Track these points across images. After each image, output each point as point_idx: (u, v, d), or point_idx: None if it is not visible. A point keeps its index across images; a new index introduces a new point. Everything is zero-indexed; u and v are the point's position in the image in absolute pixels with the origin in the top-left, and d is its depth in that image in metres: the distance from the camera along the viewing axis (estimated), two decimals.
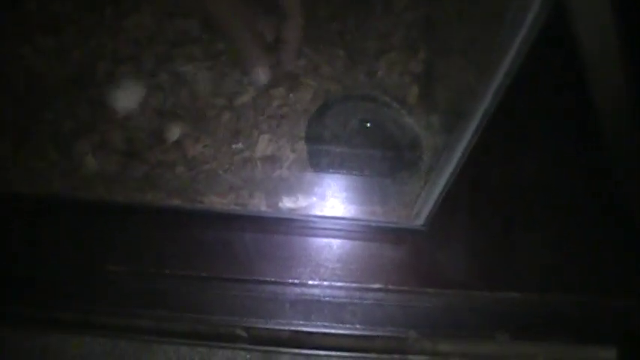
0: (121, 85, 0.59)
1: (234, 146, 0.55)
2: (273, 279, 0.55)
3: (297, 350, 0.57)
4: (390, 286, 0.55)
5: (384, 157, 0.53)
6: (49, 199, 0.58)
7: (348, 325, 0.55)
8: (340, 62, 0.59)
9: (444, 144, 0.45)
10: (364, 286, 0.55)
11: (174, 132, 0.56)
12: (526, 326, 0.57)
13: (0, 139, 0.58)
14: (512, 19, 0.33)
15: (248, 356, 0.61)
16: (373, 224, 0.55)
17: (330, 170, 0.53)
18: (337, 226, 0.56)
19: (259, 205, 0.54)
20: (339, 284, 0.55)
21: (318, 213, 0.54)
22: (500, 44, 0.35)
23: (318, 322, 0.55)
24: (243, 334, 0.57)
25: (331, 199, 0.54)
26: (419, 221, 0.53)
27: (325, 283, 0.55)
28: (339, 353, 0.58)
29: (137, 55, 0.62)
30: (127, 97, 0.59)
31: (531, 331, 0.57)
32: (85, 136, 0.57)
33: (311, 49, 0.59)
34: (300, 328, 0.55)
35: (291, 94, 0.56)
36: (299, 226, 0.56)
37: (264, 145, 0.54)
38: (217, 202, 0.55)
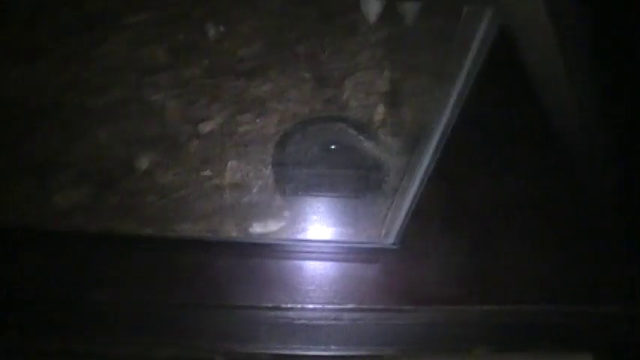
0: None
1: (203, 173, 0.55)
2: (247, 303, 0.55)
3: None
4: (365, 306, 0.55)
5: (350, 179, 0.53)
6: (24, 232, 0.58)
7: (323, 347, 0.55)
8: (307, 85, 0.60)
9: (407, 163, 0.45)
10: (338, 306, 0.55)
11: (144, 161, 0.57)
12: (504, 338, 0.57)
13: None
14: (460, 41, 0.34)
15: None
16: (344, 245, 0.55)
17: (299, 193, 0.54)
18: (309, 249, 0.56)
19: (230, 231, 0.54)
20: (313, 306, 0.55)
21: (289, 236, 0.55)
22: (452, 65, 0.35)
23: (295, 345, 0.55)
24: (221, 359, 0.57)
25: (301, 222, 0.55)
26: (389, 240, 0.54)
27: (299, 305, 0.55)
28: None
29: (108, 84, 0.62)
30: None
31: (509, 342, 0.57)
32: (57, 168, 0.58)
33: (277, 73, 0.59)
34: (277, 352, 0.55)
35: (257, 119, 0.57)
36: (271, 250, 0.56)
37: (232, 172, 0.55)
38: (189, 229, 0.55)
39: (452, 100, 0.37)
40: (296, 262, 0.56)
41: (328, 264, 0.56)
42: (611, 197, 0.60)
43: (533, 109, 0.59)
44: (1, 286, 0.57)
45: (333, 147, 0.53)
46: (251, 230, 0.54)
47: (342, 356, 0.56)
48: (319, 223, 0.54)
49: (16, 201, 0.58)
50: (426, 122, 0.42)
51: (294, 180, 0.53)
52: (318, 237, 0.55)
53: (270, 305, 0.55)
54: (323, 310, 0.55)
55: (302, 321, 0.55)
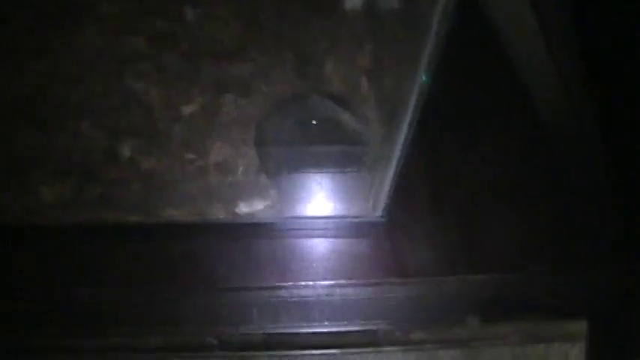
0: None
1: (186, 157, 0.55)
2: (238, 285, 0.55)
3: (270, 352, 0.57)
4: (356, 280, 0.55)
5: (333, 154, 0.53)
6: (9, 227, 0.58)
7: (317, 324, 0.55)
8: (289, 63, 0.59)
9: (386, 135, 0.46)
10: (330, 282, 0.55)
11: (127, 149, 0.56)
12: (495, 307, 0.57)
13: None
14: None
15: None
16: (332, 220, 0.55)
17: (284, 171, 0.54)
18: (297, 226, 0.56)
19: (217, 212, 0.54)
20: (304, 283, 0.55)
21: (277, 215, 0.54)
22: (422, 33, 0.35)
23: (288, 324, 0.55)
24: (215, 342, 0.57)
25: (288, 200, 0.54)
26: (376, 212, 0.54)
27: (290, 283, 0.55)
28: (312, 352, 0.58)
29: (87, 75, 0.62)
30: None
31: (501, 311, 0.57)
32: (39, 162, 0.57)
33: (257, 53, 0.59)
34: (270, 331, 0.55)
35: (239, 100, 0.56)
36: (259, 230, 0.56)
37: (216, 154, 0.55)
38: (176, 214, 0.55)
39: (421, 71, 0.37)
40: (285, 240, 0.56)
41: (318, 240, 0.56)
42: (595, 165, 0.60)
43: (512, 81, 0.60)
44: None
45: (314, 122, 0.53)
46: (238, 211, 0.54)
47: (336, 332, 0.56)
48: (306, 200, 0.54)
49: (1, 197, 0.57)
50: (403, 94, 0.42)
51: (278, 158, 0.53)
52: (306, 214, 0.55)
53: (261, 285, 0.55)
54: (315, 287, 0.55)
55: (294, 299, 0.55)
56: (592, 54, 0.55)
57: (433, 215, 0.58)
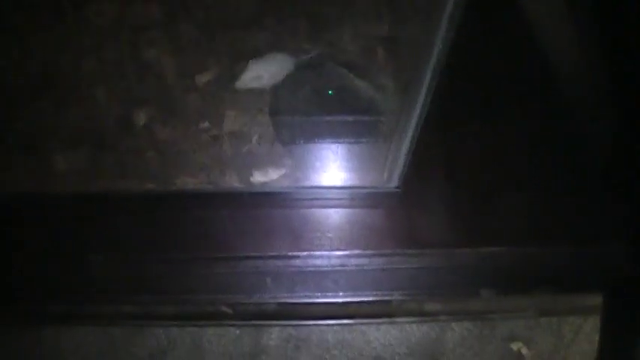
0: None
1: (201, 125, 0.55)
2: (253, 254, 0.55)
3: (284, 322, 0.58)
4: (370, 251, 0.55)
5: (347, 123, 0.53)
6: (25, 196, 0.58)
7: (331, 294, 0.55)
8: (303, 32, 0.59)
9: (402, 106, 0.45)
10: (344, 252, 0.55)
11: (142, 117, 0.56)
12: (511, 280, 0.57)
13: None
14: None
15: (238, 332, 0.61)
16: (347, 190, 0.55)
17: (298, 140, 0.53)
18: (311, 196, 0.56)
19: (231, 181, 0.54)
20: (319, 253, 0.55)
21: (291, 184, 0.54)
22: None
23: (302, 293, 0.55)
24: (229, 310, 0.57)
25: (303, 170, 0.54)
26: (392, 183, 0.53)
27: (305, 253, 0.55)
28: (326, 322, 0.58)
29: (102, 44, 0.61)
30: None
31: (517, 284, 0.57)
32: (55, 131, 0.57)
33: (273, 21, 0.58)
34: (284, 300, 0.55)
35: None
36: (274, 199, 0.56)
37: (230, 122, 0.54)
38: (190, 182, 0.55)
39: (439, 42, 0.37)
40: (300, 210, 0.56)
41: (332, 210, 0.56)
42: (611, 138, 0.59)
43: (530, 53, 0.59)
44: (4, 252, 0.57)
45: (330, 92, 0.52)
46: (252, 180, 0.53)
47: (351, 302, 0.56)
48: (321, 170, 0.54)
49: (16, 166, 0.57)
50: (419, 65, 0.42)
51: (293, 127, 0.53)
52: (321, 183, 0.54)
53: (275, 254, 0.55)
54: (329, 256, 0.55)
55: (308, 268, 0.55)
56: (614, 31, 0.54)
57: (448, 187, 0.57)
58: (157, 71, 0.58)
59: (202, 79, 0.57)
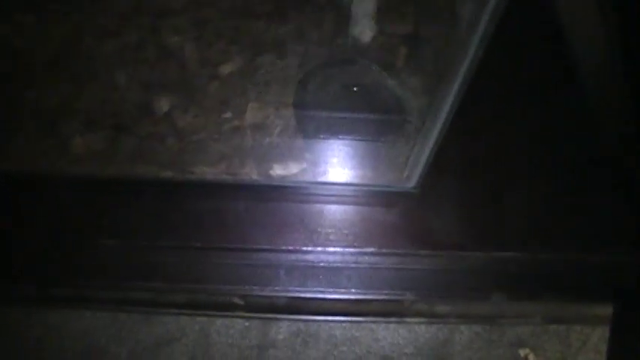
0: None
1: (223, 115, 0.54)
2: (267, 247, 0.55)
3: (294, 316, 0.58)
4: (384, 250, 0.55)
5: (371, 121, 0.52)
6: (41, 178, 0.58)
7: (343, 290, 0.55)
8: (328, 26, 0.58)
9: (429, 106, 0.45)
10: (358, 250, 0.55)
11: (164, 104, 0.56)
12: (522, 286, 0.57)
13: None
14: None
15: (246, 324, 0.61)
16: (365, 188, 0.55)
17: (320, 136, 0.53)
18: (329, 192, 0.56)
19: (250, 173, 0.54)
20: (333, 249, 0.55)
21: (310, 179, 0.54)
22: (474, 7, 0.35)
23: (314, 288, 0.55)
24: (240, 302, 0.57)
25: (322, 165, 0.54)
26: (410, 184, 0.53)
27: (319, 248, 0.55)
28: (336, 318, 0.58)
29: (123, 27, 0.61)
30: None
31: (527, 290, 0.57)
32: (70, 114, 0.57)
33: (297, 14, 0.58)
34: (296, 295, 0.56)
35: (278, 61, 0.56)
36: (291, 192, 0.56)
37: (252, 113, 0.54)
38: (208, 172, 0.54)
39: (474, 43, 0.36)
40: (316, 205, 0.56)
41: (348, 207, 0.56)
42: (630, 146, 0.59)
43: (556, 56, 0.59)
44: (16, 233, 0.57)
45: (355, 89, 0.52)
46: (272, 172, 0.53)
47: (362, 300, 0.56)
48: (340, 166, 0.54)
49: (33, 147, 0.57)
50: (449, 65, 0.41)
51: (315, 122, 0.52)
52: (339, 180, 0.54)
53: (289, 248, 0.55)
54: (343, 253, 0.55)
55: (322, 264, 0.55)
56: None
57: (465, 190, 0.57)
58: (180, 58, 0.58)
59: (225, 68, 0.56)
